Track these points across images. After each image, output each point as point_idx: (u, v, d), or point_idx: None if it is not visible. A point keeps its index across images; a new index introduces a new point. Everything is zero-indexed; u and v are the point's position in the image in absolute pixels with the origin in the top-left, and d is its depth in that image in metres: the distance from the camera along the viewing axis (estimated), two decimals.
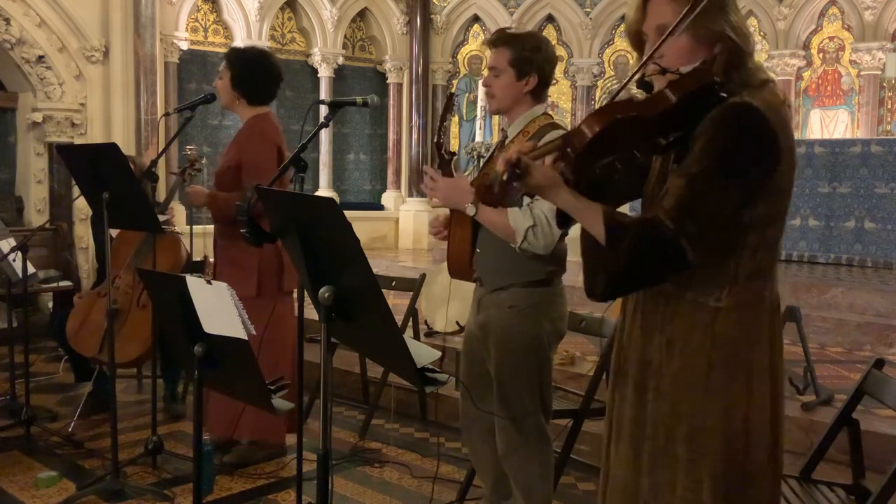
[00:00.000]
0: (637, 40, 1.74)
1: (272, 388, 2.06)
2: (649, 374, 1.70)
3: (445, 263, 2.75)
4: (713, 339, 1.63)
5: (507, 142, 2.62)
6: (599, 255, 1.60)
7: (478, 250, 2.63)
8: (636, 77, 1.63)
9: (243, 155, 3.55)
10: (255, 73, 3.62)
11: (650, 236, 1.54)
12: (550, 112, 2.79)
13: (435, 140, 2.75)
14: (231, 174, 3.57)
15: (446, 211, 2.69)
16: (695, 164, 1.54)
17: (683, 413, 1.65)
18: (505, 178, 1.54)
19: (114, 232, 4.12)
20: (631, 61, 8.81)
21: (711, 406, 1.63)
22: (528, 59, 2.57)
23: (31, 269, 4.27)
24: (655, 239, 1.53)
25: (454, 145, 9.87)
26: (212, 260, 3.95)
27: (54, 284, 6.23)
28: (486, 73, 2.74)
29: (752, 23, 8.79)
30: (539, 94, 2.63)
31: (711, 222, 1.54)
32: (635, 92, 1.67)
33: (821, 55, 8.56)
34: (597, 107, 1.63)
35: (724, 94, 1.55)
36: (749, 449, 1.64)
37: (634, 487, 1.73)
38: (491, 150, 2.74)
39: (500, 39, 2.61)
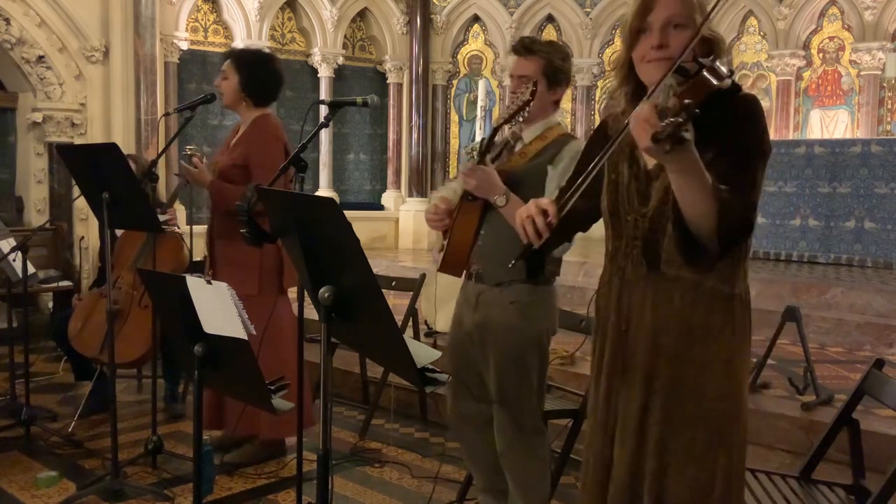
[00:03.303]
0: (635, 30, 1.69)
1: (272, 388, 2.06)
2: (663, 365, 1.71)
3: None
4: (733, 326, 1.69)
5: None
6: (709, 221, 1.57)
7: (479, 244, 2.57)
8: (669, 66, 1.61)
9: (253, 154, 3.55)
10: (264, 75, 3.66)
11: (750, 204, 1.59)
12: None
13: (483, 137, 2.73)
14: (238, 172, 3.55)
15: (446, 202, 2.63)
16: (743, 146, 1.60)
17: (706, 398, 1.68)
18: (669, 134, 1.36)
19: (119, 231, 4.13)
20: None
21: (731, 390, 1.69)
22: (560, 68, 2.57)
23: (31, 269, 4.28)
24: (751, 208, 1.59)
25: (454, 145, 9.87)
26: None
27: (54, 284, 6.23)
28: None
29: (752, 23, 8.81)
30: (560, 102, 2.65)
31: (758, 201, 1.63)
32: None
33: (821, 55, 8.56)
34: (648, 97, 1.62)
35: (739, 86, 1.63)
36: (747, 431, 1.75)
37: (636, 476, 1.72)
38: (498, 149, 2.62)
39: (531, 48, 2.57)
